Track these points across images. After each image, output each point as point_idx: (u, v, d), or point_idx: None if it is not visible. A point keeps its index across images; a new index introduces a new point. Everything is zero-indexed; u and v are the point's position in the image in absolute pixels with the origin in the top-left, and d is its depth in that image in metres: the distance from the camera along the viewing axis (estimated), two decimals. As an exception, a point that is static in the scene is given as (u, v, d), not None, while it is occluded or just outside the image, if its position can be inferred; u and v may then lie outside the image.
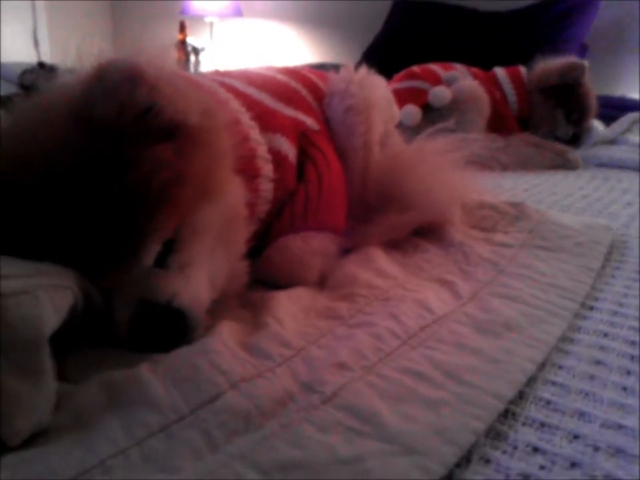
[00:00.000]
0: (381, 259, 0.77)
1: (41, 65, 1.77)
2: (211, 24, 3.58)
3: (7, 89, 1.57)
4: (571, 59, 1.95)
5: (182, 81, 0.60)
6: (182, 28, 3.52)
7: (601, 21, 2.63)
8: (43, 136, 0.52)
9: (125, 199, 0.51)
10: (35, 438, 0.42)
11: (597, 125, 2.06)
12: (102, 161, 0.51)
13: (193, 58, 3.50)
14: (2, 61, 2.03)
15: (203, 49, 3.53)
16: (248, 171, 0.68)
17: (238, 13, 3.56)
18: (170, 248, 0.55)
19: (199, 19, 3.58)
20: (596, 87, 1.97)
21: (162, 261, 0.55)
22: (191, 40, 3.51)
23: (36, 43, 3.41)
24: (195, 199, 0.56)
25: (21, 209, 0.50)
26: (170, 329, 0.54)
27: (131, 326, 0.53)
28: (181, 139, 0.55)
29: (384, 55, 2.68)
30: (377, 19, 3.10)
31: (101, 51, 0.57)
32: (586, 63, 1.90)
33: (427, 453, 0.40)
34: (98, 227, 0.50)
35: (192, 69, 3.43)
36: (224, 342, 0.53)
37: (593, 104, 1.95)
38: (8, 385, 0.41)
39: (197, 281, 0.57)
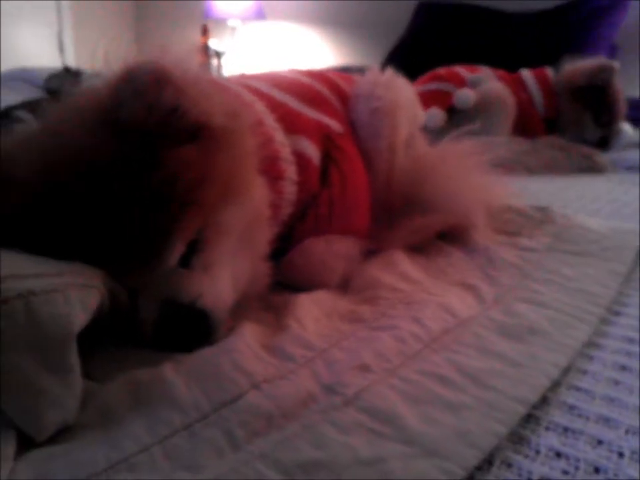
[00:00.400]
0: (404, 262, 0.77)
1: (67, 70, 1.81)
2: (234, 28, 3.61)
3: (33, 94, 1.60)
4: (600, 60, 1.92)
5: (207, 83, 0.61)
6: (204, 31, 3.55)
7: (631, 21, 2.59)
8: (71, 138, 0.53)
9: (150, 199, 0.52)
10: (61, 434, 0.43)
11: (626, 127, 2.02)
12: (128, 162, 0.52)
13: (215, 61, 3.54)
14: (28, 65, 2.07)
15: (224, 53, 3.56)
16: (271, 172, 0.68)
17: (261, 15, 3.59)
18: (194, 248, 0.56)
19: (221, 22, 3.62)
20: (625, 88, 1.94)
21: (186, 262, 0.56)
22: (213, 43, 3.55)
23: (61, 48, 3.47)
24: (219, 199, 0.57)
25: (50, 210, 0.51)
26: (193, 329, 0.54)
27: (155, 326, 0.54)
28: (205, 140, 0.56)
29: (408, 57, 2.67)
30: (401, 21, 3.10)
31: (126, 54, 0.58)
32: (616, 64, 1.87)
33: (448, 455, 0.40)
34: (124, 227, 0.51)
35: (214, 72, 3.46)
36: (246, 343, 0.53)
37: (622, 106, 1.92)
38: (36, 381, 0.42)
39: (221, 281, 0.57)
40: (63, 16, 3.47)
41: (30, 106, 1.04)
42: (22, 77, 1.80)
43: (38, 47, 3.35)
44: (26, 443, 0.41)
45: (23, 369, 0.41)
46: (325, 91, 0.93)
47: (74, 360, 0.44)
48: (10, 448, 0.40)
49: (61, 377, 0.43)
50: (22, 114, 0.97)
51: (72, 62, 3.26)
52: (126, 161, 0.52)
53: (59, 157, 0.53)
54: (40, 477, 0.38)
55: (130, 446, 0.41)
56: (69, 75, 1.66)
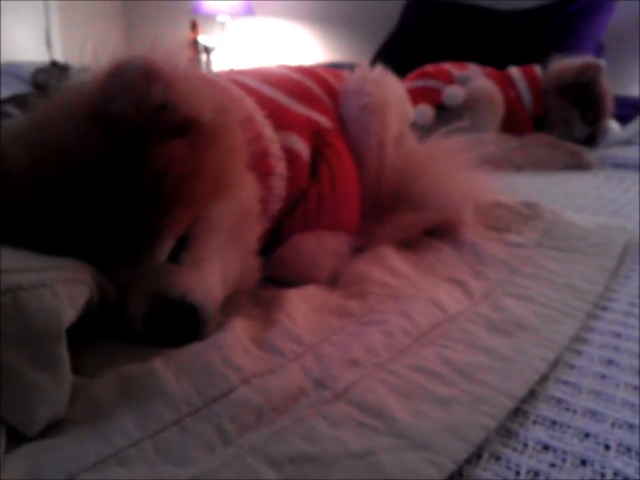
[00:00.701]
0: (393, 258, 0.77)
1: (54, 64, 1.79)
2: (223, 23, 3.59)
3: (20, 88, 1.59)
4: (587, 58, 1.93)
5: (196, 78, 0.61)
6: (193, 27, 3.53)
7: (618, 20, 2.61)
8: (59, 134, 0.53)
9: (139, 195, 0.51)
10: (51, 429, 0.42)
11: (613, 125, 2.04)
12: (118, 157, 0.51)
13: (204, 57, 3.52)
14: (15, 60, 2.05)
15: (214, 48, 3.55)
16: (261, 168, 0.68)
17: (250, 11, 3.58)
18: (183, 244, 0.56)
19: (210, 17, 3.60)
20: (612, 86, 1.96)
21: (175, 257, 0.56)
22: (202, 39, 3.53)
23: (48, 42, 3.44)
24: (208, 195, 0.57)
25: (39, 205, 0.51)
26: (183, 324, 0.54)
27: (144, 321, 0.54)
28: (194, 135, 0.56)
29: (397, 54, 2.67)
30: (390, 18, 3.10)
31: (115, 49, 0.58)
32: (602, 62, 1.89)
33: (437, 448, 0.41)
34: (113, 222, 0.51)
35: (203, 68, 3.44)
36: (236, 338, 0.53)
37: (609, 104, 1.93)
38: (26, 375, 0.41)
39: (210, 276, 0.57)
40: (51, 12, 3.44)
41: (17, 100, 1.03)
42: (10, 71, 1.79)
43: (25, 43, 3.32)
44: (16, 438, 0.41)
45: (12, 364, 0.41)
46: (314, 87, 0.93)
47: (63, 354, 0.44)
48: (0, 442, 0.40)
49: (50, 371, 0.43)
50: (9, 108, 0.96)
51: (59, 58, 3.23)
52: (115, 157, 0.51)
53: (48, 153, 0.52)
54: (31, 471, 0.38)
55: (120, 440, 0.41)
56: (56, 69, 1.65)
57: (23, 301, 0.42)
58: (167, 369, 0.48)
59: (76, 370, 0.47)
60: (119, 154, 0.51)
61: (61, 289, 0.45)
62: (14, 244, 0.49)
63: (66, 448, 0.40)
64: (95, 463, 0.38)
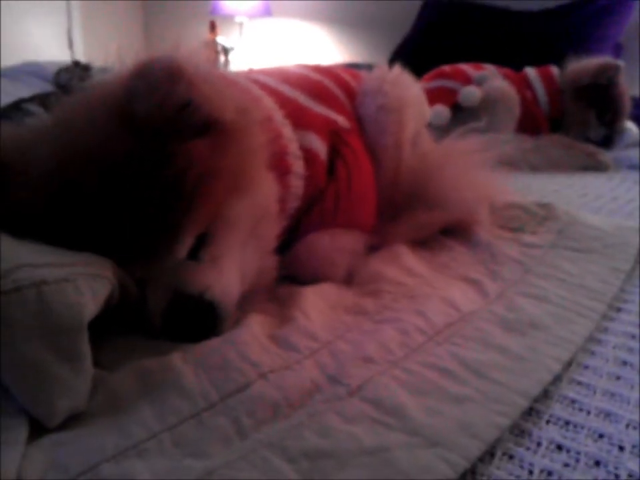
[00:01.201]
0: (408, 256, 0.78)
1: (77, 64, 1.81)
2: (241, 24, 3.61)
3: (43, 88, 1.61)
4: (605, 58, 1.92)
5: (217, 78, 0.62)
6: (212, 27, 3.55)
7: (636, 21, 2.58)
8: (85, 134, 0.54)
9: (161, 193, 0.52)
10: (71, 421, 0.43)
11: (630, 126, 2.02)
12: (141, 160, 0.52)
13: (222, 57, 3.53)
14: (37, 60, 2.08)
15: (232, 49, 3.56)
16: (279, 167, 0.69)
17: (267, 12, 3.59)
18: (203, 241, 0.57)
19: (229, 18, 3.61)
20: (630, 87, 1.94)
21: (195, 254, 0.56)
22: (220, 39, 3.55)
23: (70, 42, 3.48)
24: (228, 193, 0.57)
25: (64, 202, 0.52)
26: (201, 320, 0.55)
27: (163, 316, 0.55)
28: (215, 135, 0.56)
29: (414, 55, 2.66)
30: (407, 19, 3.09)
31: (138, 49, 0.58)
32: (620, 63, 1.87)
33: (450, 446, 0.41)
34: (135, 220, 0.52)
35: (222, 68, 3.46)
36: (253, 334, 0.54)
37: (627, 105, 1.92)
38: (48, 368, 0.42)
39: (228, 274, 0.58)
40: (72, 13, 3.47)
41: (41, 99, 1.05)
42: (33, 70, 1.81)
43: (48, 43, 3.35)
44: (37, 429, 0.42)
45: (34, 357, 0.42)
46: (332, 86, 0.93)
47: (85, 348, 0.45)
48: (22, 433, 0.41)
49: (72, 364, 0.44)
50: (33, 107, 0.98)
51: (81, 57, 3.25)
52: (139, 159, 0.52)
53: (72, 154, 0.53)
54: (51, 462, 0.39)
55: (139, 433, 0.41)
56: (78, 69, 1.67)
57: (46, 295, 0.43)
58: (185, 364, 0.49)
59: (96, 363, 0.48)
60: (143, 156, 0.52)
61: (84, 284, 0.46)
62: (37, 240, 0.50)
63: (86, 440, 0.41)
64: (115, 454, 0.39)
